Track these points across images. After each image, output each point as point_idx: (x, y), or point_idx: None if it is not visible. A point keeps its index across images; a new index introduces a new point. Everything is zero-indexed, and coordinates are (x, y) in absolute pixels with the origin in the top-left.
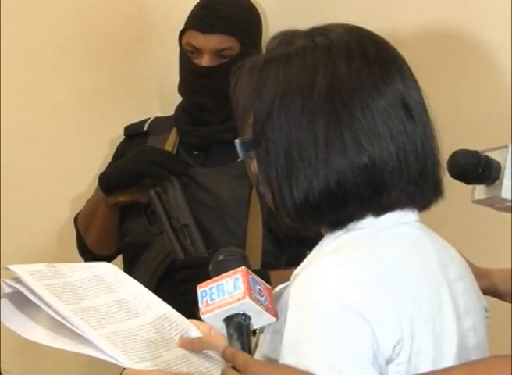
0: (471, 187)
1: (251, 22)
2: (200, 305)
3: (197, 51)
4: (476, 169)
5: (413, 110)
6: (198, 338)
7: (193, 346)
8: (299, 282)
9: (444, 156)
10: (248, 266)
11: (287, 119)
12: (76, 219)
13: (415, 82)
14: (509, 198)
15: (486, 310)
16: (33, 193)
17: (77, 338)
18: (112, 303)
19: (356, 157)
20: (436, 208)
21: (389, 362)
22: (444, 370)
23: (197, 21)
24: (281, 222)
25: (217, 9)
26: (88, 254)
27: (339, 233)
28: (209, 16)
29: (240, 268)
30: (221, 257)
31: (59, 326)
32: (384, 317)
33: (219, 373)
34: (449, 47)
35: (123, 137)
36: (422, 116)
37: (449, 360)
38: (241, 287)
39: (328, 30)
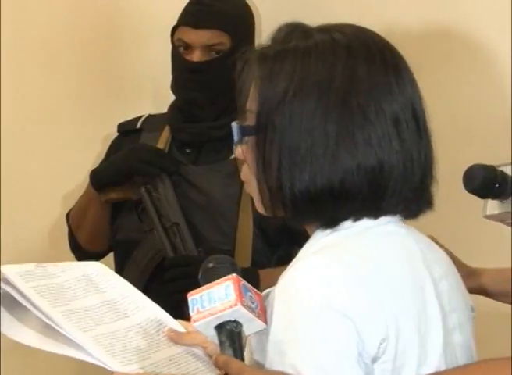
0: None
1: (243, 18)
2: (191, 313)
3: (189, 47)
4: (493, 184)
5: (419, 119)
6: (186, 332)
7: (181, 339)
8: (284, 283)
9: (437, 160)
10: (238, 273)
11: (300, 111)
12: (68, 216)
13: (419, 89)
14: None
15: (473, 310)
16: (26, 190)
17: (66, 341)
18: (101, 304)
19: (365, 159)
20: (436, 208)
21: (374, 360)
22: (436, 374)
23: (188, 17)
24: (269, 213)
25: (208, 5)
26: (79, 251)
27: (325, 232)
28: (200, 11)
29: (230, 275)
30: (210, 264)
31: (48, 329)
32: (368, 316)
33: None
34: (443, 46)
35: (117, 134)
36: (426, 125)
37: (434, 358)
38: (232, 294)
39: (343, 28)
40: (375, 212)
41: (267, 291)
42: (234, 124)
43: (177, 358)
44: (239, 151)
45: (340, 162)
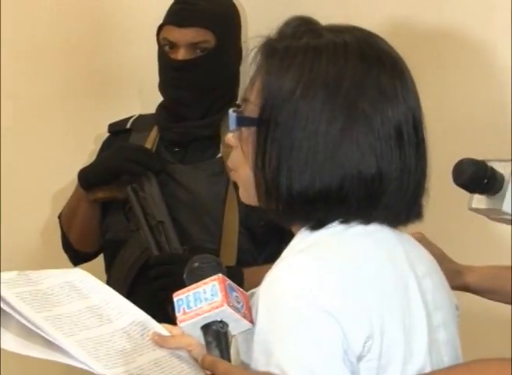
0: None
1: (227, 15)
2: (177, 314)
3: (173, 46)
4: (482, 179)
5: (419, 131)
6: (171, 336)
7: (166, 343)
8: (268, 282)
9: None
10: (223, 273)
11: (305, 111)
12: (60, 216)
13: (419, 100)
14: (509, 211)
15: (457, 308)
16: (17, 190)
17: (49, 346)
18: (84, 309)
19: (365, 167)
20: (436, 206)
21: (360, 358)
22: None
23: (172, 16)
24: (257, 203)
25: (192, 3)
26: (71, 251)
27: (310, 231)
28: (184, 9)
29: (216, 275)
30: (196, 264)
31: (30, 334)
32: (353, 314)
33: None
34: (430, 44)
35: (108, 134)
36: (424, 137)
37: (419, 355)
38: (218, 294)
39: (353, 31)
40: (365, 219)
41: (252, 291)
42: (231, 112)
43: (162, 361)
44: (229, 138)
45: (341, 167)
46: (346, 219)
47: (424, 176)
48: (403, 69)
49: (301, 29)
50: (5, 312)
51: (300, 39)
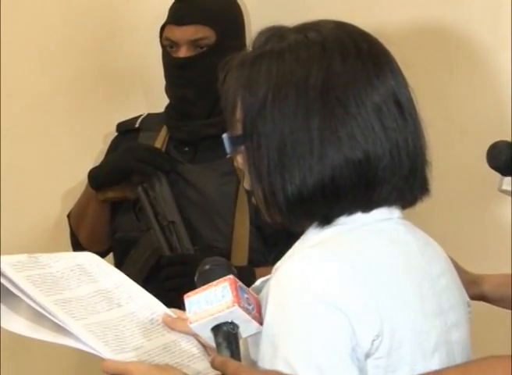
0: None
1: (227, 11)
2: (188, 314)
3: (175, 45)
4: None
5: (404, 107)
6: (181, 318)
7: (176, 325)
8: (279, 276)
9: (430, 154)
10: (234, 275)
11: (281, 114)
12: (69, 216)
13: (404, 79)
14: None
15: (469, 305)
16: (25, 190)
17: (58, 329)
18: (94, 293)
19: (350, 152)
20: (437, 207)
21: (367, 356)
22: (437, 372)
23: (171, 15)
24: (269, 220)
25: (190, 1)
26: (80, 250)
27: (318, 230)
28: (182, 8)
29: (227, 276)
30: (207, 266)
31: (40, 317)
32: (363, 311)
33: (201, 363)
34: (436, 44)
35: (117, 133)
36: (412, 113)
37: (431, 356)
38: (229, 295)
39: (319, 26)
40: (367, 204)
41: (261, 280)
42: (224, 136)
43: (171, 346)
44: (238, 162)
45: (327, 159)
46: (349, 208)
47: (421, 148)
48: (376, 53)
49: (271, 37)
50: (14, 295)
51: (266, 46)
